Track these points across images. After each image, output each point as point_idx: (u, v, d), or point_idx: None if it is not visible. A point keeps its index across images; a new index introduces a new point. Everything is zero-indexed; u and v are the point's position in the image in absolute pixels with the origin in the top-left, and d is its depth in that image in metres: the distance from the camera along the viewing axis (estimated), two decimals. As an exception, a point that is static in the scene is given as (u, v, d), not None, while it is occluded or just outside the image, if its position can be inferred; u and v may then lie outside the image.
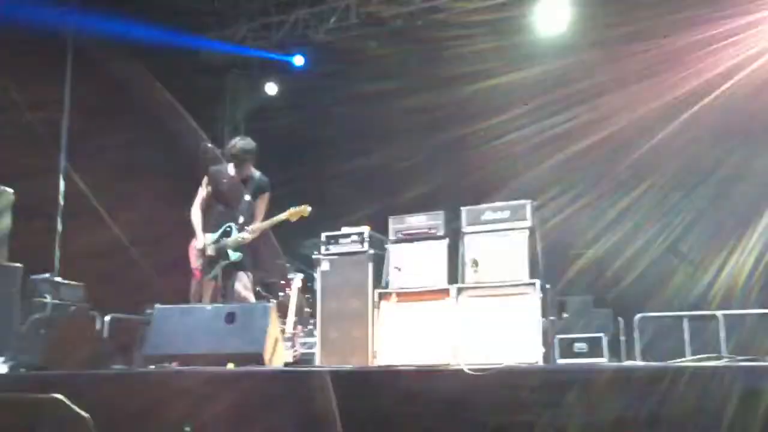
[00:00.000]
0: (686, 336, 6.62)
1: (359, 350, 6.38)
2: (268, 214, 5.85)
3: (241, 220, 5.66)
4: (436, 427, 3.02)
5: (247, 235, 5.60)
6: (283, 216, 5.66)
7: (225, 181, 5.76)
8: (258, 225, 5.68)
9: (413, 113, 8.57)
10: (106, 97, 8.29)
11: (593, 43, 7.91)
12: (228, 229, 5.63)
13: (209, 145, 5.56)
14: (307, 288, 7.51)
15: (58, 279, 7.01)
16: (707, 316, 6.65)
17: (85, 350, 4.15)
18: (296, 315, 7.25)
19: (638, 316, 6.95)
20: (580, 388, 2.83)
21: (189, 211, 5.80)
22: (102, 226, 8.31)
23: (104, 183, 8.30)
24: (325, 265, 6.83)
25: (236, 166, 5.77)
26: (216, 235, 5.61)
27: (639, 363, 4.60)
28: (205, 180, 5.77)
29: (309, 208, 5.62)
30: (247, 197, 5.75)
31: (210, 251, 5.52)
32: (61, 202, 7.69)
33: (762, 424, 2.51)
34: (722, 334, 6.47)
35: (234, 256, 5.58)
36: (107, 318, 7.45)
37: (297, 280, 7.33)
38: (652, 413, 2.71)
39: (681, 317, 6.73)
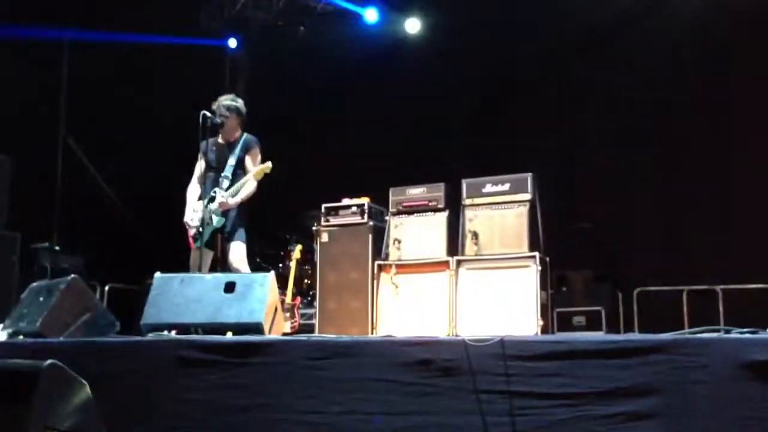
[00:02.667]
0: (685, 309, 6.65)
1: (358, 321, 6.41)
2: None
3: (225, 184, 5.59)
4: (433, 395, 3.03)
5: (224, 200, 5.52)
6: (247, 177, 5.56)
7: (213, 149, 5.71)
8: (236, 187, 5.58)
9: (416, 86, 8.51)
10: (107, 66, 8.25)
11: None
12: (213, 194, 5.58)
13: (208, 114, 5.51)
14: (307, 259, 7.52)
15: (57, 248, 7.03)
16: (707, 290, 6.67)
17: (85, 318, 4.15)
18: (295, 286, 7.27)
19: (637, 290, 6.97)
20: (575, 358, 2.84)
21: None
22: (102, 195, 8.31)
23: (104, 153, 8.29)
24: (324, 237, 6.84)
25: (223, 130, 5.68)
26: (204, 202, 5.58)
27: (635, 335, 4.60)
28: (200, 154, 5.74)
29: (270, 164, 5.49)
30: (232, 161, 5.65)
31: (197, 220, 5.50)
32: (60, 170, 7.68)
33: (756, 396, 2.52)
34: (721, 308, 6.50)
35: (216, 221, 5.52)
36: (107, 287, 7.51)
37: (296, 251, 7.34)
38: (647, 384, 2.72)
39: (680, 291, 6.75)
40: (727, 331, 2.91)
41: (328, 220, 6.88)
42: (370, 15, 9.02)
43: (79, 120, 8.08)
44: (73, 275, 4.28)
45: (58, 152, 7.83)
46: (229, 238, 5.61)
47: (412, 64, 8.63)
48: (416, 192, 6.59)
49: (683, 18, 7.38)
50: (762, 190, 6.45)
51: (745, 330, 2.92)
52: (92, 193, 8.17)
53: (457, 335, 5.54)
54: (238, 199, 5.58)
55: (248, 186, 5.59)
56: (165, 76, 8.42)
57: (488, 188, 6.32)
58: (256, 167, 5.55)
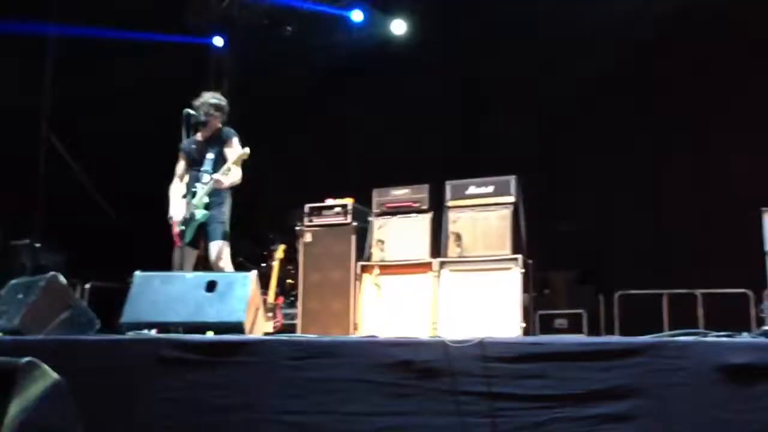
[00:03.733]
0: (665, 313, 6.71)
1: (341, 322, 6.41)
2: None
3: (206, 179, 5.57)
4: (414, 396, 3.04)
5: (217, 178, 5.45)
6: (226, 166, 5.52)
7: (193, 146, 5.70)
8: (212, 179, 5.51)
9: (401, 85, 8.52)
10: (90, 62, 8.20)
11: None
12: (194, 190, 5.56)
13: (191, 111, 5.48)
14: (290, 259, 7.51)
15: (38, 245, 6.97)
16: (686, 294, 6.73)
17: (64, 316, 4.12)
18: (278, 286, 7.26)
19: (618, 293, 7.02)
20: (554, 360, 2.86)
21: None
22: (84, 193, 8.24)
23: (87, 150, 8.22)
24: (307, 237, 6.83)
25: (205, 123, 5.65)
26: (187, 199, 5.56)
27: (613, 337, 4.64)
28: (181, 152, 5.72)
29: (248, 150, 5.46)
30: (211, 155, 5.60)
31: (180, 217, 5.48)
32: (42, 167, 7.61)
33: (732, 398, 2.54)
34: (700, 312, 6.56)
35: (200, 215, 5.49)
36: (88, 285, 7.45)
37: (279, 250, 7.32)
38: (626, 386, 2.74)
39: (660, 295, 6.81)
40: (705, 335, 2.94)
41: (311, 220, 6.88)
42: (356, 15, 9.02)
43: (61, 116, 8.01)
44: (52, 272, 4.24)
45: (40, 148, 7.76)
46: (212, 236, 5.59)
47: (398, 65, 8.64)
48: (400, 193, 6.60)
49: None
50: (741, 195, 6.50)
51: (722, 333, 2.95)
52: (74, 191, 8.10)
53: (439, 337, 5.55)
54: (228, 181, 5.52)
55: (235, 173, 5.55)
56: (149, 73, 8.37)
57: (472, 190, 6.34)
58: (235, 155, 5.51)
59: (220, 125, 5.77)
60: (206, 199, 5.48)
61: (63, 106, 8.00)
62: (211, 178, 5.47)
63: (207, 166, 5.61)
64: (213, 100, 5.72)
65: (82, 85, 8.08)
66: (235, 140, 5.71)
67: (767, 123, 6.77)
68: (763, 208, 4.69)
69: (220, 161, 5.64)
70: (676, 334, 3.03)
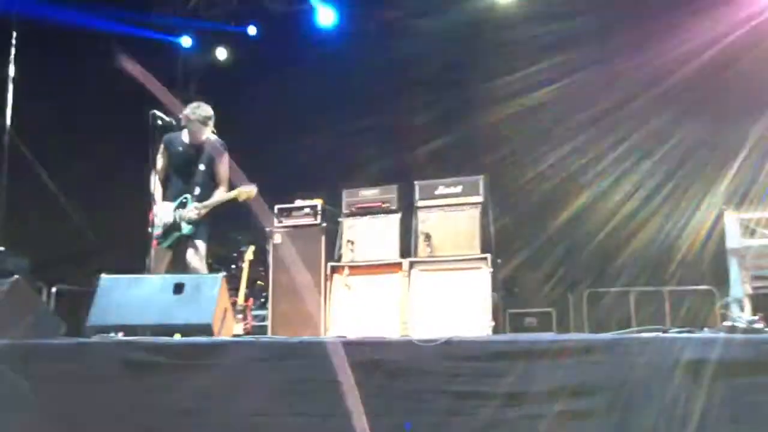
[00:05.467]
0: (632, 310, 6.79)
1: (311, 323, 6.40)
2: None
3: (197, 191, 5.56)
4: (383, 395, 3.05)
5: (195, 213, 5.50)
6: (231, 194, 5.56)
7: (180, 149, 5.66)
8: (208, 202, 5.57)
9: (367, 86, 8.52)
10: (55, 60, 8.08)
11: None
12: (184, 200, 5.54)
13: (158, 113, 5.44)
14: (260, 260, 7.48)
15: (1, 249, 6.84)
16: (653, 292, 6.82)
17: (29, 320, 4.07)
18: (248, 287, 7.23)
19: (587, 291, 7.09)
20: (520, 358, 2.88)
21: (143, 179, 5.71)
22: (49, 195, 8.12)
23: (51, 151, 8.10)
24: (277, 238, 6.82)
25: (192, 132, 5.65)
26: (173, 206, 5.54)
27: (577, 334, 4.69)
28: (161, 148, 5.67)
29: (255, 189, 5.54)
30: (202, 166, 5.62)
31: (165, 221, 5.46)
32: (5, 168, 7.47)
33: (690, 393, 2.59)
34: (667, 308, 6.66)
35: (186, 229, 5.51)
36: (54, 289, 7.35)
37: (249, 252, 7.29)
38: (591, 383, 2.77)
39: (628, 292, 6.89)
40: (665, 331, 2.98)
41: (281, 222, 6.87)
42: (325, 16, 9.00)
43: (25, 116, 7.89)
44: (16, 276, 4.18)
45: (3, 149, 7.62)
46: (194, 236, 5.56)
47: (366, 65, 8.63)
48: (369, 193, 6.62)
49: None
50: (705, 194, 6.60)
51: (681, 330, 3.00)
52: (38, 193, 7.98)
53: (407, 336, 5.57)
54: (209, 209, 5.58)
55: (220, 194, 5.61)
56: (116, 72, 8.28)
57: (441, 190, 6.38)
58: (244, 188, 5.55)
59: (208, 132, 5.74)
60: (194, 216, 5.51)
61: (26, 106, 7.87)
62: (195, 208, 5.49)
63: (197, 177, 5.60)
64: (203, 112, 5.64)
65: (47, 85, 7.96)
66: (226, 156, 5.73)
67: (733, 122, 6.87)
68: (724, 207, 4.78)
69: (210, 176, 5.64)
70: (636, 331, 3.08)
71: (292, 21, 9.07)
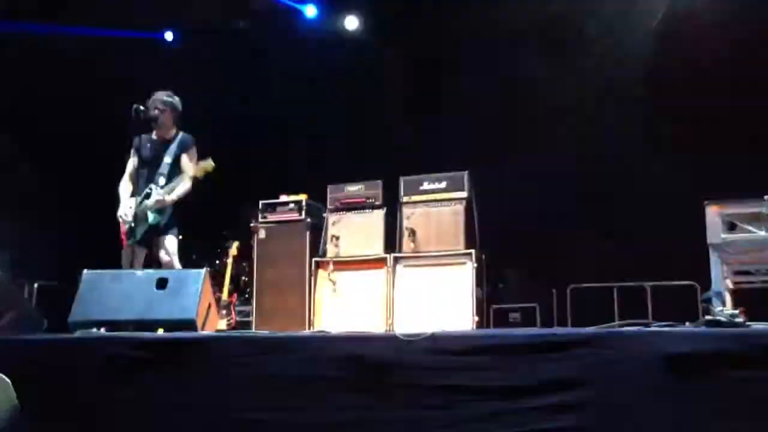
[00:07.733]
0: (616, 305, 6.84)
1: (296, 319, 6.39)
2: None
3: (162, 182, 5.53)
4: (367, 390, 3.05)
5: (161, 197, 5.46)
6: (190, 173, 5.53)
7: (148, 145, 5.64)
8: (172, 184, 5.53)
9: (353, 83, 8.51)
10: (38, 57, 8.03)
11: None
12: (149, 191, 5.51)
13: (141, 108, 5.40)
14: (244, 256, 7.45)
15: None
16: (636, 287, 6.87)
17: (10, 316, 4.03)
18: (232, 283, 7.21)
19: (571, 286, 7.13)
20: (503, 353, 2.90)
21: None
22: (30, 190, 8.06)
23: (33, 146, 8.04)
24: (261, 234, 6.80)
25: (161, 124, 5.62)
26: (138, 199, 5.51)
27: (561, 329, 4.72)
28: (132, 149, 5.65)
29: (212, 163, 5.50)
30: (168, 158, 5.59)
31: (130, 216, 5.42)
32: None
33: (671, 386, 2.61)
34: (649, 303, 6.71)
35: (152, 218, 5.47)
36: (36, 285, 7.30)
37: (233, 247, 7.27)
38: (573, 377, 2.79)
39: (611, 288, 6.94)
40: (647, 326, 3.01)
41: (265, 217, 6.85)
42: (310, 11, 8.98)
43: (7, 112, 7.82)
44: (-1, 272, 4.15)
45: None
46: (164, 232, 5.54)
47: (351, 61, 8.62)
48: (354, 189, 6.61)
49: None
50: (687, 188, 6.64)
51: (663, 324, 3.03)
52: (20, 188, 7.91)
53: (391, 331, 5.58)
54: (174, 196, 5.54)
55: (184, 184, 5.56)
56: (99, 69, 8.22)
57: (425, 186, 6.39)
58: (199, 164, 5.52)
59: (175, 126, 5.72)
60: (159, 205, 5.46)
61: (9, 102, 7.81)
62: (159, 195, 5.46)
63: (163, 169, 5.59)
64: (165, 97, 5.68)
65: (29, 81, 7.90)
66: (194, 150, 5.70)
67: (709, 116, 6.92)
68: (706, 201, 4.81)
69: (176, 166, 5.62)
70: (618, 325, 3.10)
71: (278, 15, 9.03)
